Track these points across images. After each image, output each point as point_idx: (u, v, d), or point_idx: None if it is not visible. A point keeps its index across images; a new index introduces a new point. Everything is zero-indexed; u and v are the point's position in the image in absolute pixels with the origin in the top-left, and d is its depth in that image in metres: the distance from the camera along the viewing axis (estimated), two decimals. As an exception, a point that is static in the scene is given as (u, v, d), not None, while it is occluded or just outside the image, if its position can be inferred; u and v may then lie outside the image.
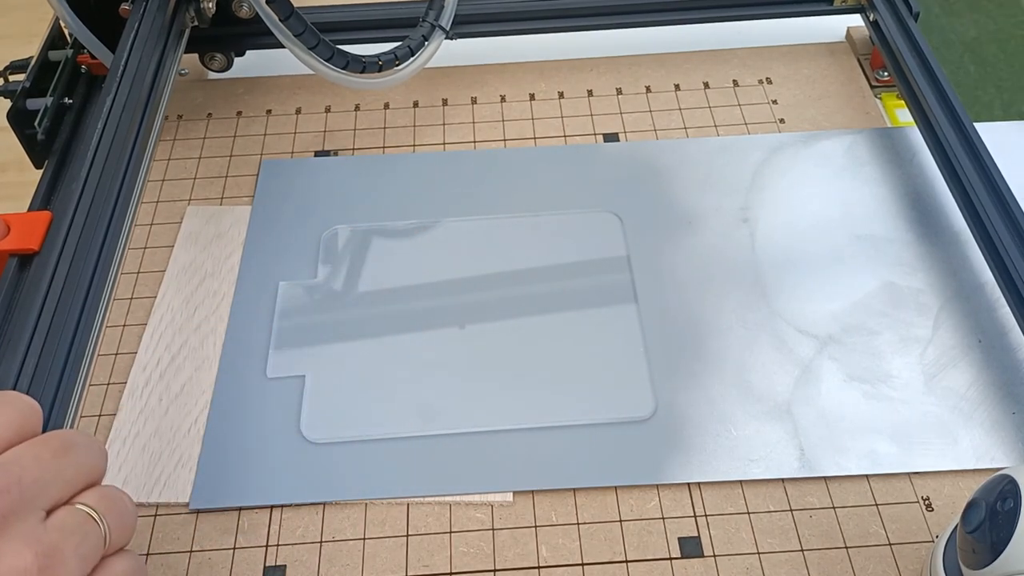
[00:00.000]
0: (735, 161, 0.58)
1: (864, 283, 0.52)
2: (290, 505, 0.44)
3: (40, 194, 0.52)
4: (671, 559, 0.42)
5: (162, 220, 0.57)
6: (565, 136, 0.61)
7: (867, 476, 0.44)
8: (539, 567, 0.42)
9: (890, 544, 0.42)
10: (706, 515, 0.44)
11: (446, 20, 0.59)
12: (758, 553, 0.42)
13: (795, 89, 0.63)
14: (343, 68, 0.54)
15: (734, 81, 0.64)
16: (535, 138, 0.61)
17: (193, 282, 0.53)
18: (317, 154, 0.60)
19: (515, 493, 0.44)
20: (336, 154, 0.60)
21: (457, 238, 0.55)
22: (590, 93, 0.64)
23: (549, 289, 0.52)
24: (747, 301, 0.51)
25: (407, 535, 0.43)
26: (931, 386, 0.47)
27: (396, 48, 0.56)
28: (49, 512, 0.30)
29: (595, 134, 0.61)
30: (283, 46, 0.53)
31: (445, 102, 0.64)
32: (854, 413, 0.46)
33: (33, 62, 0.56)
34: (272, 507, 0.44)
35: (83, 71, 0.59)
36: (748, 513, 0.44)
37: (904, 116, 0.61)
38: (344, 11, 0.63)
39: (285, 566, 0.42)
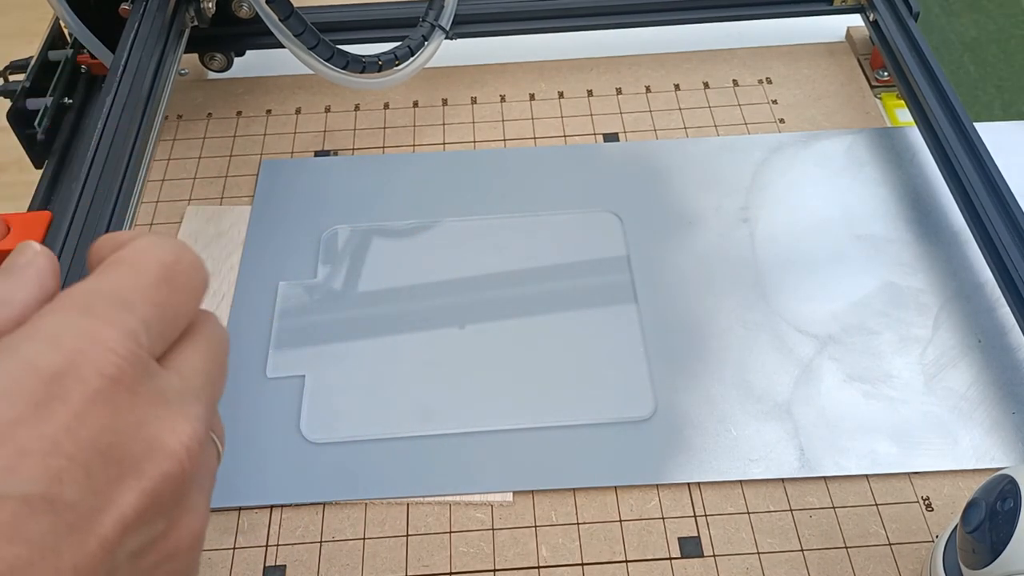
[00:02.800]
0: (735, 161, 0.58)
1: (864, 283, 0.52)
2: (290, 505, 0.44)
3: (40, 194, 0.52)
4: (671, 559, 0.42)
5: (162, 220, 0.57)
6: (565, 136, 0.61)
7: (867, 476, 0.44)
8: (539, 567, 0.42)
9: (890, 544, 0.42)
10: (706, 515, 0.44)
11: (446, 20, 0.59)
12: (758, 553, 0.42)
13: (795, 89, 0.63)
14: (343, 68, 0.54)
15: (734, 81, 0.64)
16: (535, 138, 0.61)
17: (193, 282, 0.53)
18: (317, 154, 0.60)
19: (515, 493, 0.44)
20: (336, 154, 0.60)
21: (457, 238, 0.55)
22: (590, 93, 0.64)
23: (549, 289, 0.52)
24: (747, 301, 0.51)
25: (407, 535, 0.43)
26: (931, 386, 0.47)
27: (396, 48, 0.56)
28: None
29: (595, 134, 0.61)
30: (283, 46, 0.53)
31: (445, 102, 0.64)
32: (854, 413, 0.46)
33: (33, 62, 0.56)
34: (272, 507, 0.44)
35: (83, 71, 0.59)
36: (748, 513, 0.44)
37: (904, 116, 0.61)
38: (344, 11, 0.63)
39: (285, 566, 0.42)
